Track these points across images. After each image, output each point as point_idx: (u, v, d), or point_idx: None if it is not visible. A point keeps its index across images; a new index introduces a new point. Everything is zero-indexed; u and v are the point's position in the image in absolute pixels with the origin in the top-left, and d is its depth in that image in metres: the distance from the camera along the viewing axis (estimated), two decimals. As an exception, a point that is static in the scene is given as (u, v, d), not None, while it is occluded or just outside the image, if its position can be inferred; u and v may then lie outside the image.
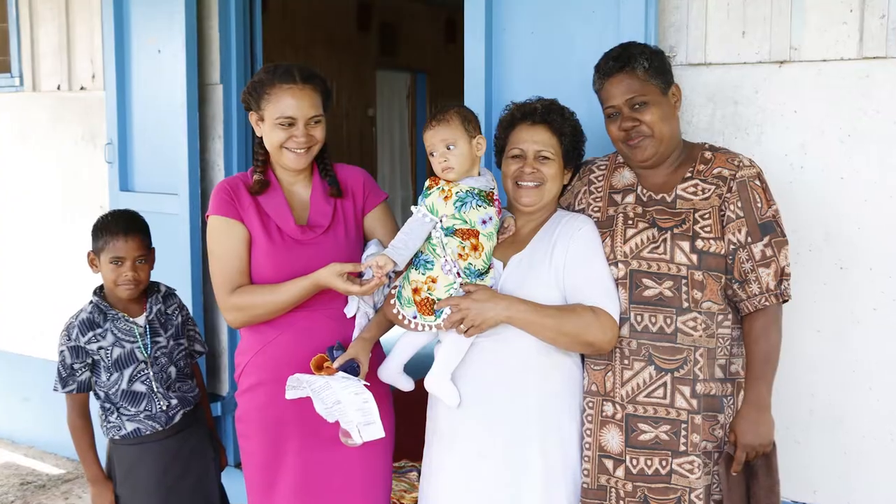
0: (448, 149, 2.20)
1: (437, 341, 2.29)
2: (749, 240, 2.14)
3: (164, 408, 2.61)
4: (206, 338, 3.74)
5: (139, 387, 2.59)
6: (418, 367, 2.34)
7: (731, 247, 2.15)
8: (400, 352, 2.29)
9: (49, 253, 4.47)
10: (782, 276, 2.15)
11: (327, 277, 2.25)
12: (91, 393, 2.62)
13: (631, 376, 2.19)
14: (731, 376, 2.21)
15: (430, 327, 2.20)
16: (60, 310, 3.72)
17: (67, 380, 2.57)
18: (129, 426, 2.59)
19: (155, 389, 2.60)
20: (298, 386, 2.20)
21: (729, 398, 2.20)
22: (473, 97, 2.88)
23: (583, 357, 2.28)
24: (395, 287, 2.28)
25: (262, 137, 2.41)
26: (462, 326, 2.15)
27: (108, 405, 2.60)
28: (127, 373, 2.57)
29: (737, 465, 2.15)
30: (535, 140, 2.25)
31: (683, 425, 2.16)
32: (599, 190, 2.34)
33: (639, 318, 2.18)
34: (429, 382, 2.24)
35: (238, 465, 3.29)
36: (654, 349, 2.16)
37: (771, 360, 2.17)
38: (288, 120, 2.33)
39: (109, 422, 2.60)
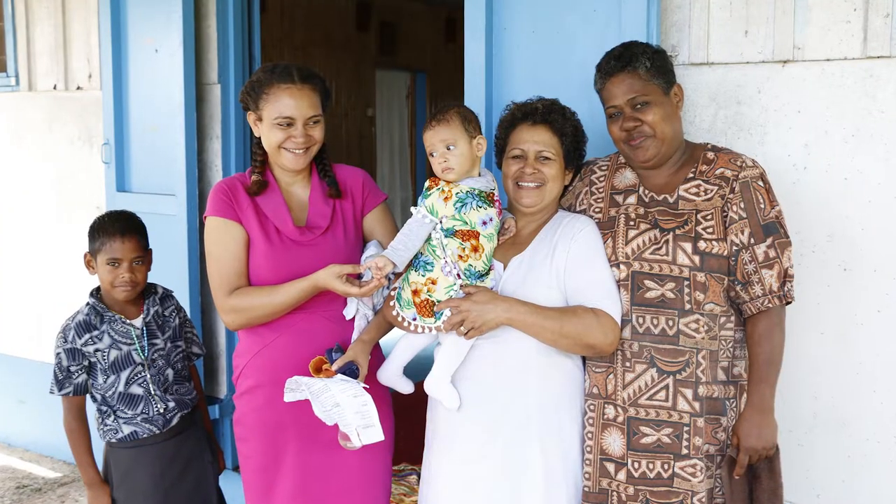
0: (448, 149, 2.18)
1: (436, 343, 2.28)
2: (752, 241, 2.13)
3: (162, 410, 2.59)
4: (204, 340, 3.72)
5: (136, 389, 2.57)
6: (418, 369, 2.32)
7: (734, 248, 2.14)
8: (399, 354, 2.28)
9: (45, 254, 4.45)
10: (785, 277, 2.14)
11: (326, 279, 2.23)
12: (88, 395, 2.60)
13: (632, 379, 2.17)
14: (734, 379, 2.19)
15: (430, 329, 2.18)
16: (57, 312, 3.72)
17: (64, 382, 2.55)
18: (126, 429, 2.57)
19: (152, 392, 2.58)
20: (297, 388, 2.19)
21: (731, 401, 2.19)
22: (473, 97, 2.86)
23: (584, 359, 2.26)
24: (394, 289, 2.26)
25: (260, 138, 2.39)
26: (462, 328, 2.13)
27: (104, 408, 2.58)
28: (124, 375, 2.55)
29: (739, 469, 2.14)
30: (535, 140, 2.23)
31: (686, 428, 2.14)
32: (601, 191, 2.32)
33: (640, 320, 2.16)
34: (428, 385, 2.23)
35: (236, 469, 3.27)
36: (656, 351, 2.15)
37: (774, 363, 2.15)
38: (286, 120, 2.31)
39: (106, 425, 2.58)
